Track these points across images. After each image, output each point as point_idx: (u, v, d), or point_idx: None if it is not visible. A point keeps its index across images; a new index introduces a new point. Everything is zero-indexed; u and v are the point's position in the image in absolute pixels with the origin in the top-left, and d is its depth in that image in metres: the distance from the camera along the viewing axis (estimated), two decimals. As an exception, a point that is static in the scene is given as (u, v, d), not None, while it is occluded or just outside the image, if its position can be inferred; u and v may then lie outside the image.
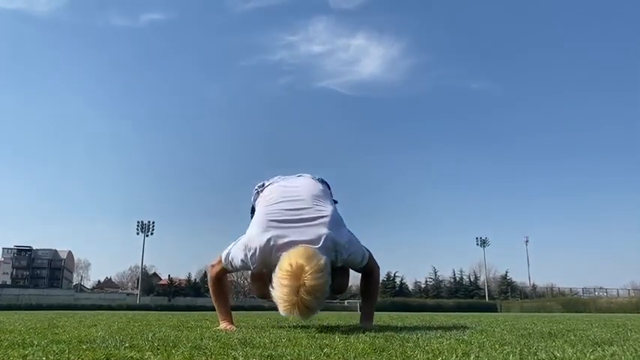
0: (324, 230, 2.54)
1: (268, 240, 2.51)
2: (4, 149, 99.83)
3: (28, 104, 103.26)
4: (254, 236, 2.57)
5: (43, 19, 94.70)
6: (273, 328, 2.34)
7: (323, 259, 2.27)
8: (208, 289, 2.92)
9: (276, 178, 3.14)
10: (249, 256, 2.57)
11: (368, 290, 3.01)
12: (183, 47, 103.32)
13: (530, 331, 2.67)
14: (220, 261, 2.74)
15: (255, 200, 3.09)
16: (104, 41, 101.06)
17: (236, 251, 2.64)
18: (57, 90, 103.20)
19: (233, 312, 3.11)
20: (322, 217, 2.60)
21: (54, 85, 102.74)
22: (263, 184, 3.11)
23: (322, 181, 3.12)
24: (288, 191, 2.82)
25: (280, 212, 2.62)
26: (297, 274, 2.19)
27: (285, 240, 2.49)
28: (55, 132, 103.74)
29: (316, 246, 2.46)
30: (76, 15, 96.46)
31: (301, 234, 2.51)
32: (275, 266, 2.37)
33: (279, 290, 2.23)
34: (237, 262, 2.65)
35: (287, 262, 2.25)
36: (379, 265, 2.92)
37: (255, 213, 2.82)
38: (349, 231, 2.73)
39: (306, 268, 2.19)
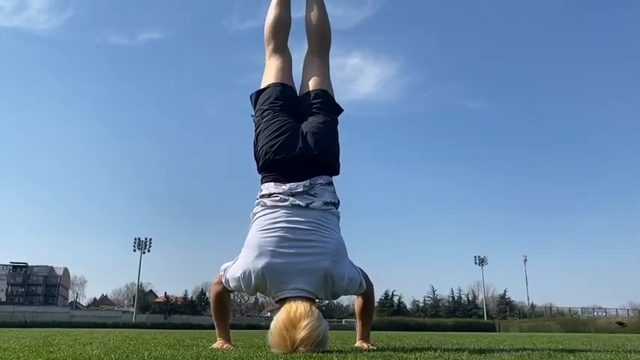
0: (322, 265, 2.50)
1: (263, 274, 2.48)
2: (0, 166, 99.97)
3: (24, 121, 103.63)
4: (249, 265, 2.53)
5: (42, 37, 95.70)
6: (270, 348, 2.32)
7: (320, 327, 2.20)
8: (205, 308, 2.90)
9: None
10: (243, 285, 2.57)
11: (364, 310, 3.00)
12: (181, 65, 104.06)
13: (529, 352, 2.65)
14: (221, 281, 2.74)
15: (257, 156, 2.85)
16: (101, 59, 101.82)
17: (232, 277, 2.62)
18: (53, 107, 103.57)
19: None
20: (322, 248, 2.54)
21: (50, 102, 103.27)
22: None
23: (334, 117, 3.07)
24: (294, 212, 2.60)
25: (278, 240, 2.52)
26: (290, 350, 2.16)
27: (281, 279, 2.47)
28: (52, 149, 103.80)
29: (311, 289, 2.45)
30: (74, 33, 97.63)
31: (298, 272, 2.47)
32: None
33: (276, 350, 2.21)
34: (233, 287, 2.66)
35: (281, 333, 2.18)
36: (372, 283, 2.90)
37: (251, 230, 2.67)
38: (350, 261, 2.68)
39: (301, 347, 2.13)
